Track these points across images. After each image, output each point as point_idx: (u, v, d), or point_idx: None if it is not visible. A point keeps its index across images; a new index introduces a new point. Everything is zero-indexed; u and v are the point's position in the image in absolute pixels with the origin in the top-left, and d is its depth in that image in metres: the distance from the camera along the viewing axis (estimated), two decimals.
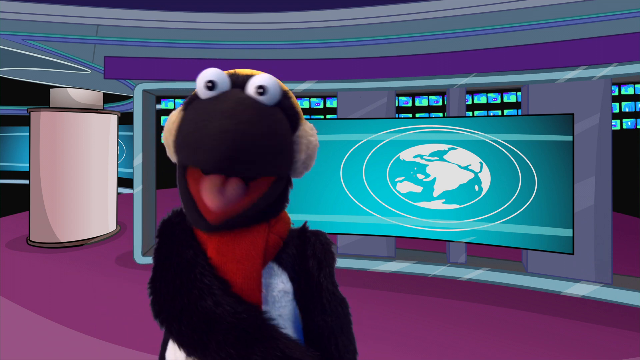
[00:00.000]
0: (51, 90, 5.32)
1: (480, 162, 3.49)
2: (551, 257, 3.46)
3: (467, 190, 3.52)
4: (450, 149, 3.59)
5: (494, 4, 2.97)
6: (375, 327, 2.84)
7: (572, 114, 3.19)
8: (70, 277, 3.85)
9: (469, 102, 6.60)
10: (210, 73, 0.68)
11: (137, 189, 4.26)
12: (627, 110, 5.82)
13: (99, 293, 3.44)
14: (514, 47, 3.60)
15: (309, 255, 0.77)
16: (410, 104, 6.70)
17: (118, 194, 5.73)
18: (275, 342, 0.64)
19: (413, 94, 6.54)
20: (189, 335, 0.64)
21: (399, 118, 4.11)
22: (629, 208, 6.05)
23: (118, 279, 3.79)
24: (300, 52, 4.15)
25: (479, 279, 3.64)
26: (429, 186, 3.63)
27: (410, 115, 6.63)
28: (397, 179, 3.73)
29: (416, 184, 3.67)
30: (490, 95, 6.54)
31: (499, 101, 6.52)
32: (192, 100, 0.71)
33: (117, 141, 5.65)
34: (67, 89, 5.25)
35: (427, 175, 3.64)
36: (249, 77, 0.71)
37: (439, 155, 3.62)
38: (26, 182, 6.25)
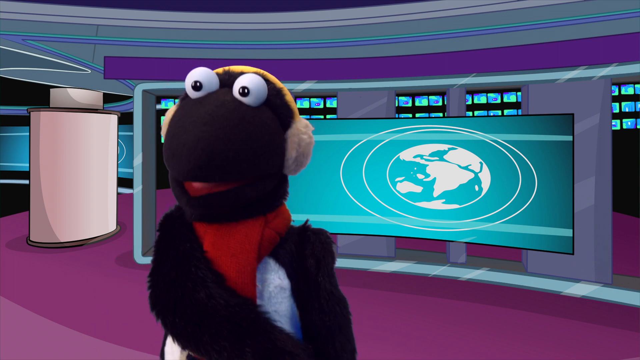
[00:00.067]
0: (51, 90, 5.32)
1: (480, 162, 3.49)
2: (551, 257, 3.46)
3: (467, 190, 3.52)
4: (450, 149, 3.59)
5: (494, 4, 2.97)
6: (375, 327, 2.84)
7: (572, 114, 3.19)
8: (70, 277, 3.84)
9: (469, 102, 6.60)
10: (197, 73, 0.68)
11: (137, 189, 4.26)
12: (627, 110, 5.82)
13: (99, 293, 3.44)
14: (514, 47, 3.60)
15: (307, 254, 0.76)
16: (410, 104, 6.70)
17: (118, 194, 5.73)
18: (267, 335, 0.64)
19: (413, 94, 6.54)
20: (182, 327, 0.64)
21: (399, 118, 4.11)
22: (629, 208, 6.05)
23: (118, 279, 3.79)
24: (300, 52, 4.15)
25: (479, 279, 3.64)
26: (429, 186, 3.63)
27: (410, 115, 6.63)
28: (397, 179, 3.73)
29: (416, 184, 3.67)
30: (490, 95, 6.55)
31: (499, 101, 6.53)
32: (184, 97, 0.72)
33: (117, 141, 5.65)
34: (67, 89, 5.25)
35: (427, 175, 3.64)
36: (237, 76, 0.71)
37: (439, 155, 3.62)
38: (26, 182, 6.25)
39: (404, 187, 3.70)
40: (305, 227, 0.81)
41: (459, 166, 3.55)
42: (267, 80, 0.73)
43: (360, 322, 2.82)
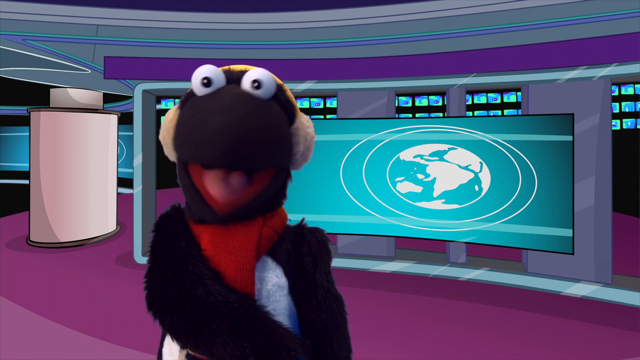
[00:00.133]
0: (51, 90, 5.32)
1: (480, 162, 3.49)
2: (551, 257, 3.45)
3: (467, 190, 3.52)
4: (450, 149, 3.59)
5: (494, 4, 2.97)
6: (374, 327, 2.84)
7: (572, 114, 3.19)
8: (70, 277, 3.84)
9: (469, 102, 6.60)
10: (205, 70, 0.69)
11: (137, 189, 4.26)
12: (627, 110, 5.82)
13: (99, 293, 3.44)
14: (514, 47, 3.60)
15: (304, 252, 0.77)
16: (410, 104, 6.70)
17: (118, 194, 5.73)
18: (266, 329, 0.64)
19: (413, 94, 6.54)
20: (181, 325, 0.64)
21: (399, 118, 4.11)
22: (629, 208, 6.05)
23: (118, 279, 3.79)
24: (300, 52, 4.14)
25: (479, 279, 3.64)
26: (429, 186, 3.63)
27: (410, 115, 6.63)
28: (397, 179, 3.73)
29: (416, 184, 3.67)
30: (490, 95, 6.54)
31: (499, 101, 6.52)
32: (188, 97, 0.72)
33: (117, 141, 5.65)
34: (67, 89, 5.25)
35: (427, 175, 3.64)
36: (243, 72, 0.71)
37: (439, 155, 3.62)
38: (26, 182, 6.25)
39: (404, 187, 3.70)
40: (301, 226, 0.81)
41: (459, 166, 3.55)
42: None
43: (359, 322, 2.83)
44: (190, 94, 0.72)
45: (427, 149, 3.65)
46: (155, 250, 0.72)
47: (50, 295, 3.39)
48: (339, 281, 0.82)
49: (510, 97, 6.39)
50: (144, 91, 4.26)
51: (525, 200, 3.33)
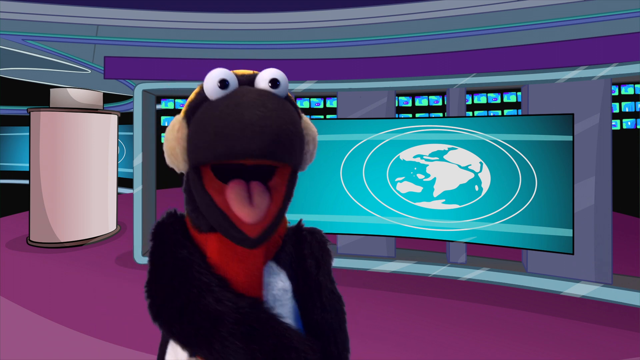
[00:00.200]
0: (51, 90, 5.32)
1: (480, 162, 3.49)
2: (551, 257, 3.45)
3: (467, 190, 3.52)
4: (450, 149, 3.59)
5: (494, 4, 2.97)
6: (374, 327, 2.84)
7: (572, 114, 3.19)
8: (70, 277, 3.85)
9: (469, 102, 6.60)
10: (220, 72, 0.68)
11: (137, 189, 4.26)
12: (627, 110, 5.82)
13: (99, 293, 3.44)
14: (514, 47, 3.60)
15: (306, 255, 0.77)
16: (410, 104, 6.71)
17: (118, 194, 5.73)
18: (276, 332, 0.64)
19: (413, 94, 6.54)
20: (192, 334, 0.64)
21: (399, 118, 4.11)
22: (629, 208, 6.05)
23: (118, 279, 3.79)
24: (300, 52, 4.15)
25: (479, 279, 3.64)
26: (429, 186, 3.63)
27: (410, 115, 6.63)
28: (397, 179, 3.73)
29: (416, 184, 3.67)
30: (490, 95, 6.55)
31: (499, 101, 6.53)
32: (198, 104, 0.69)
33: (117, 141, 5.65)
34: (67, 89, 5.26)
35: (427, 175, 3.64)
36: (254, 75, 0.71)
37: (439, 155, 3.62)
38: (26, 182, 6.25)
39: (404, 187, 3.70)
40: (299, 227, 0.81)
41: (459, 166, 3.55)
42: None
43: (359, 321, 2.83)
44: (200, 100, 0.69)
45: (427, 149, 3.65)
46: (156, 259, 0.70)
47: (50, 295, 3.39)
48: (338, 281, 0.83)
49: (510, 97, 6.40)
50: (144, 91, 4.26)
51: (525, 200, 3.33)
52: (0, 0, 3.14)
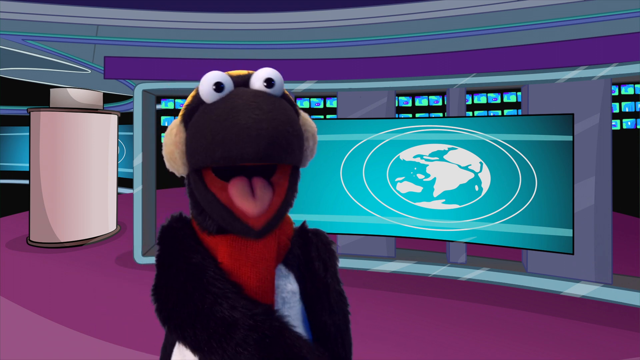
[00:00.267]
0: (51, 90, 5.32)
1: (480, 162, 3.49)
2: (551, 257, 3.45)
3: (467, 190, 3.52)
4: (450, 149, 3.59)
5: (494, 4, 2.97)
6: (374, 326, 2.84)
7: (572, 114, 3.19)
8: (70, 277, 3.85)
9: (469, 102, 6.60)
10: (215, 75, 0.68)
11: (137, 189, 4.26)
12: (627, 110, 5.82)
13: (99, 293, 3.44)
14: (514, 47, 3.60)
15: (313, 257, 0.78)
16: (410, 104, 6.71)
17: (118, 194, 5.73)
18: (287, 341, 0.65)
19: (413, 94, 6.54)
20: (205, 340, 0.63)
21: (399, 118, 4.11)
22: (629, 208, 6.05)
23: (118, 279, 3.79)
24: (300, 52, 4.15)
25: (479, 279, 3.64)
26: (429, 186, 3.63)
27: (410, 115, 6.63)
28: (397, 179, 3.73)
29: (416, 184, 3.67)
30: (490, 95, 6.55)
31: (499, 101, 6.53)
32: (194, 108, 0.69)
33: (117, 141, 5.65)
34: (67, 89, 5.26)
35: (427, 175, 3.64)
36: (248, 75, 0.71)
37: (439, 155, 3.62)
38: (26, 182, 6.25)
39: (404, 187, 3.70)
40: (304, 229, 0.82)
41: (459, 166, 3.55)
42: None
43: (359, 321, 2.83)
44: (196, 104, 0.69)
45: (427, 149, 3.65)
46: (166, 264, 0.70)
47: (50, 295, 3.39)
48: None
49: (510, 97, 6.40)
50: (144, 91, 4.26)
51: (525, 200, 3.33)
52: (1, 1, 3.14)
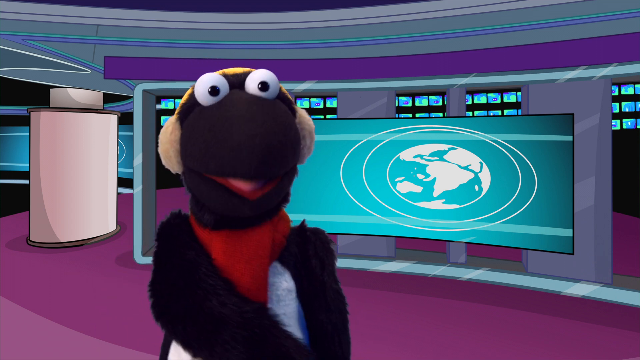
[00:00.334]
0: (51, 90, 5.32)
1: (480, 162, 3.49)
2: (551, 257, 3.45)
3: (467, 190, 3.52)
4: (450, 149, 3.59)
5: (494, 4, 2.97)
6: (374, 326, 2.84)
7: (572, 114, 3.19)
8: (70, 277, 3.84)
9: (469, 102, 6.60)
10: (210, 78, 0.67)
11: (137, 189, 4.26)
12: (627, 110, 5.82)
13: (99, 293, 3.44)
14: (514, 47, 3.60)
15: (310, 255, 0.78)
16: (410, 104, 6.70)
17: (118, 194, 5.73)
18: (277, 340, 0.65)
19: (413, 94, 6.54)
20: (194, 336, 0.64)
21: (399, 118, 4.11)
22: (629, 208, 6.05)
23: (118, 279, 3.79)
24: (300, 52, 4.15)
25: (479, 279, 3.64)
26: (429, 186, 3.63)
27: (410, 115, 6.63)
28: (397, 179, 3.73)
29: (416, 184, 3.67)
30: (490, 95, 6.54)
31: (499, 101, 6.52)
32: (190, 107, 0.69)
33: (117, 141, 5.65)
34: (67, 89, 5.25)
35: (427, 175, 3.64)
36: (244, 75, 0.70)
37: (439, 155, 3.62)
38: (26, 182, 6.25)
39: (404, 187, 3.70)
40: (303, 228, 0.82)
41: (459, 166, 3.55)
42: None
43: (359, 321, 2.83)
44: (192, 103, 0.69)
45: (427, 149, 3.65)
46: (162, 260, 0.70)
47: (50, 295, 3.39)
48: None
49: (510, 97, 6.39)
50: (144, 91, 4.26)
51: (525, 200, 3.33)
52: (1, 1, 3.14)
